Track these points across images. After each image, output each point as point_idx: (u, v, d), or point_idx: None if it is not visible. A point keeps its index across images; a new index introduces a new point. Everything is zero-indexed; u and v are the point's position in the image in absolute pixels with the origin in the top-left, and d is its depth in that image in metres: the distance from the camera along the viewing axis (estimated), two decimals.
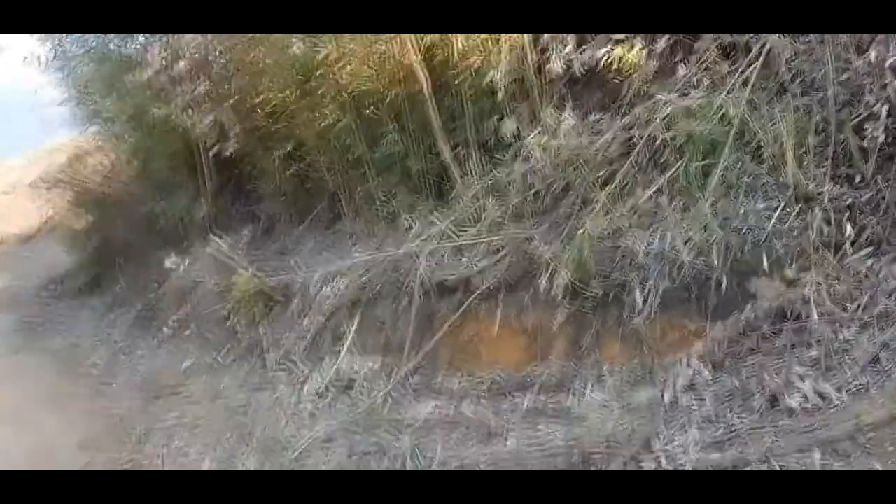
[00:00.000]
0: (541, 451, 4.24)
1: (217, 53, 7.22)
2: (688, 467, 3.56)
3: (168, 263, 7.61)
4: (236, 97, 7.17)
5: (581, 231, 4.99)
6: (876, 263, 4.29)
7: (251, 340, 6.71)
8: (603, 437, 4.11)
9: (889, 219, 4.40)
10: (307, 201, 7.35)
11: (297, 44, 6.31)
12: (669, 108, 5.07)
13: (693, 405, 4.08)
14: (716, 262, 4.59)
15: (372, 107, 6.32)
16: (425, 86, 5.99)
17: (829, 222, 4.44)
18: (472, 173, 5.85)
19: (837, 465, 3.21)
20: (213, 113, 7.36)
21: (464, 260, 5.56)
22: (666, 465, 3.62)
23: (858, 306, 4.09)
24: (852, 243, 4.38)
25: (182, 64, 7.40)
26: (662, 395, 4.23)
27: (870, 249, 4.37)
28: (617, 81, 5.36)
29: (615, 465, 3.80)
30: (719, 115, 4.89)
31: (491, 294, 5.34)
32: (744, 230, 4.70)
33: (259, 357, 6.54)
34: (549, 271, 5.03)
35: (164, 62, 7.60)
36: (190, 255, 7.76)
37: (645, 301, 4.76)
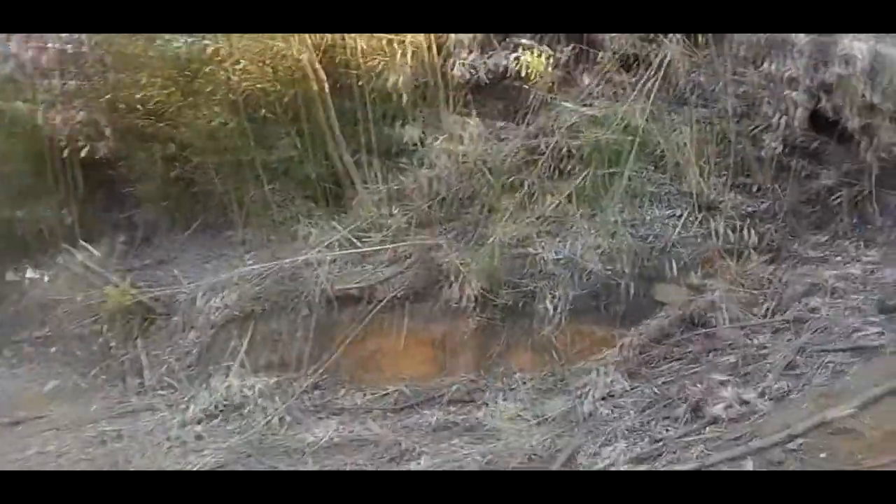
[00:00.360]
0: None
1: (92, 45, 6.22)
2: None
3: (29, 275, 6.46)
4: (112, 94, 6.20)
5: (490, 239, 4.60)
6: (776, 270, 4.19)
7: (126, 359, 5.76)
8: (523, 452, 3.67)
9: (786, 226, 4.33)
10: (192, 207, 6.47)
11: (181, 37, 5.52)
12: (574, 117, 4.82)
13: (613, 415, 3.74)
14: (624, 269, 4.35)
15: (266, 108, 5.63)
16: (324, 87, 5.40)
17: (731, 230, 4.32)
18: (374, 179, 5.31)
19: None
20: (84, 110, 6.36)
21: (367, 269, 5.00)
22: None
23: (766, 311, 3.93)
24: (754, 250, 4.27)
25: (49, 56, 6.33)
26: (581, 406, 3.87)
27: (769, 256, 4.28)
28: (523, 88, 5.04)
29: None
30: (623, 124, 4.69)
31: (396, 304, 4.83)
32: (649, 238, 4.52)
33: (136, 377, 5.62)
34: (458, 280, 4.60)
35: (28, 53, 6.47)
36: (55, 265, 6.64)
37: (554, 309, 4.45)
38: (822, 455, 2.94)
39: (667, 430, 3.45)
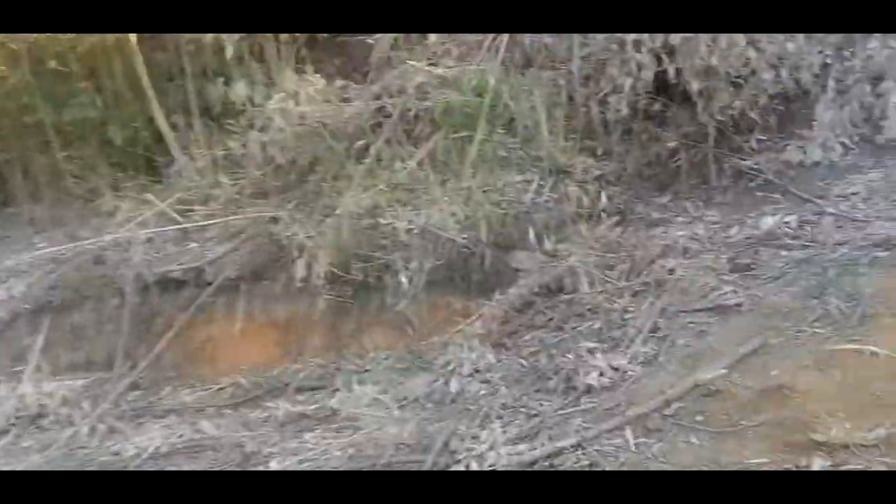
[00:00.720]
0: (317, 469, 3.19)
1: None
2: (500, 466, 2.83)
3: None
4: None
5: (336, 210, 4.04)
6: (625, 232, 4.07)
7: None
8: (390, 441, 3.20)
9: (632, 189, 4.24)
10: None
11: None
12: (421, 77, 4.35)
13: (483, 392, 3.39)
14: (479, 237, 4.02)
15: (56, 59, 4.55)
16: (128, 36, 4.43)
17: (582, 194, 4.13)
18: (196, 144, 4.48)
19: (652, 443, 2.75)
20: None
21: (192, 248, 4.21)
22: (477, 468, 2.85)
23: (622, 274, 3.78)
24: (604, 213, 4.12)
25: None
26: (446, 385, 3.48)
27: (617, 219, 4.15)
28: (364, 44, 4.47)
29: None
30: (472, 85, 4.31)
31: (230, 286, 4.14)
32: (502, 204, 4.20)
33: None
34: (302, 256, 3.99)
35: None
36: None
37: (409, 282, 4.02)
38: (699, 418, 2.81)
39: (541, 405, 3.17)
